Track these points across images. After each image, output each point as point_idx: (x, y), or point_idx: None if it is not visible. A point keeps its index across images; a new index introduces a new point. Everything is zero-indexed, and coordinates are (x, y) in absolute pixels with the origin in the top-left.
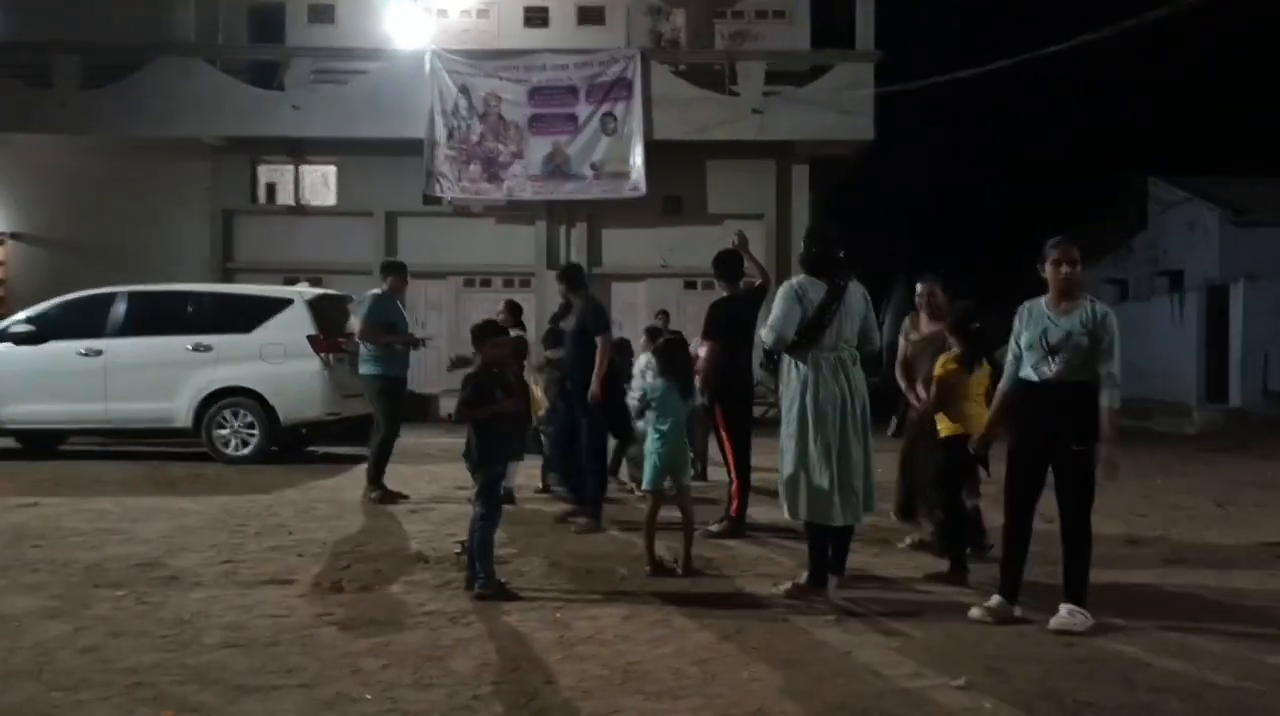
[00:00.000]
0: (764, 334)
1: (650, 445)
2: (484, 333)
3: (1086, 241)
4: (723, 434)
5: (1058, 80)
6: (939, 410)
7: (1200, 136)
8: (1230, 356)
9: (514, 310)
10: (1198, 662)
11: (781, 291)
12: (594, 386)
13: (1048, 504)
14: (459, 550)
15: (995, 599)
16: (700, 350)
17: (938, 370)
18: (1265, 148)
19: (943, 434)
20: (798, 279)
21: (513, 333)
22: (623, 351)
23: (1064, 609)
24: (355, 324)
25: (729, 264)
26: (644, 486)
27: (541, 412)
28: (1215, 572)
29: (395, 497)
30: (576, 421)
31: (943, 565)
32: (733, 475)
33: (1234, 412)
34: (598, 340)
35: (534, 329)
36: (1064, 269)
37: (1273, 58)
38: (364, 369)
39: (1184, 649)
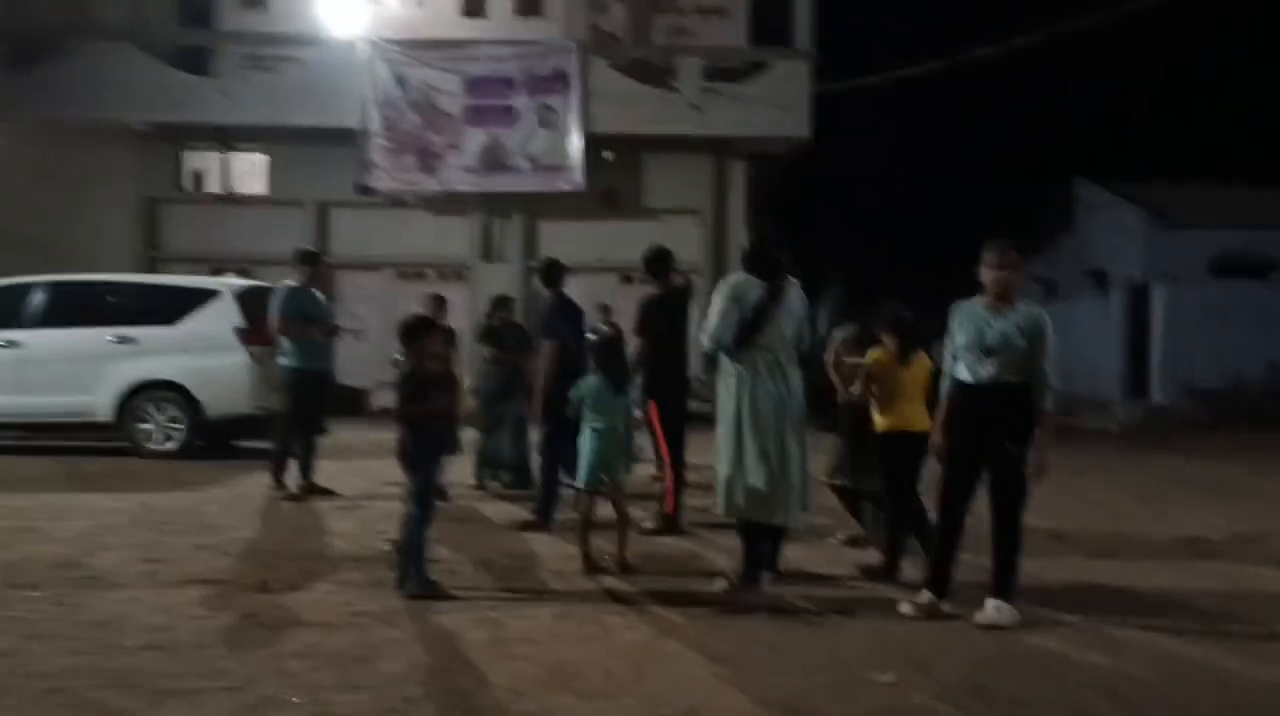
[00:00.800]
0: (702, 336)
1: (585, 443)
2: (416, 330)
3: (1017, 242)
4: (657, 430)
5: (991, 82)
6: (869, 402)
7: (1127, 140)
8: (1151, 355)
9: (439, 303)
10: (1122, 657)
11: (720, 291)
12: (535, 401)
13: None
14: (389, 548)
15: (924, 595)
16: None
17: (867, 362)
18: (1189, 151)
19: (879, 429)
20: (736, 278)
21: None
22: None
23: (990, 604)
24: (270, 317)
25: (660, 261)
26: (579, 484)
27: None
28: (1137, 567)
29: (294, 495)
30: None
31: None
32: (667, 471)
33: (1155, 409)
34: (545, 345)
35: (465, 322)
36: (1003, 273)
37: (1199, 64)
38: (280, 361)
39: (1109, 644)
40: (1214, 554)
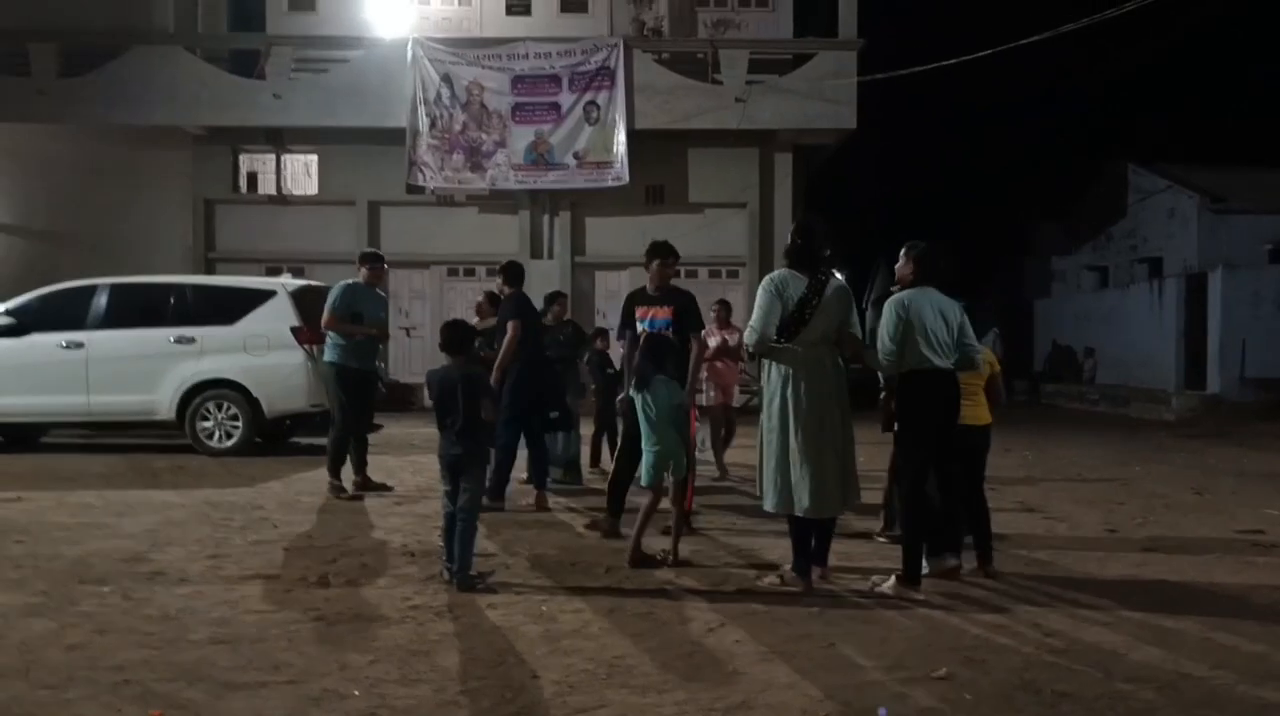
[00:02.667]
0: (746, 334)
1: (645, 442)
2: (461, 335)
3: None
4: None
5: (1039, 67)
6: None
7: (1181, 125)
8: (1209, 344)
9: (493, 300)
10: (1174, 652)
11: (762, 287)
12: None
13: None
14: (443, 543)
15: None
16: (711, 339)
17: None
18: (1244, 136)
19: None
20: (778, 273)
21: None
22: (604, 341)
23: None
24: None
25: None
26: (643, 482)
27: None
28: (1192, 561)
29: (353, 495)
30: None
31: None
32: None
33: (1211, 399)
34: (511, 324)
35: None
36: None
37: (1254, 46)
38: (325, 357)
39: (1161, 638)
40: (1273, 548)
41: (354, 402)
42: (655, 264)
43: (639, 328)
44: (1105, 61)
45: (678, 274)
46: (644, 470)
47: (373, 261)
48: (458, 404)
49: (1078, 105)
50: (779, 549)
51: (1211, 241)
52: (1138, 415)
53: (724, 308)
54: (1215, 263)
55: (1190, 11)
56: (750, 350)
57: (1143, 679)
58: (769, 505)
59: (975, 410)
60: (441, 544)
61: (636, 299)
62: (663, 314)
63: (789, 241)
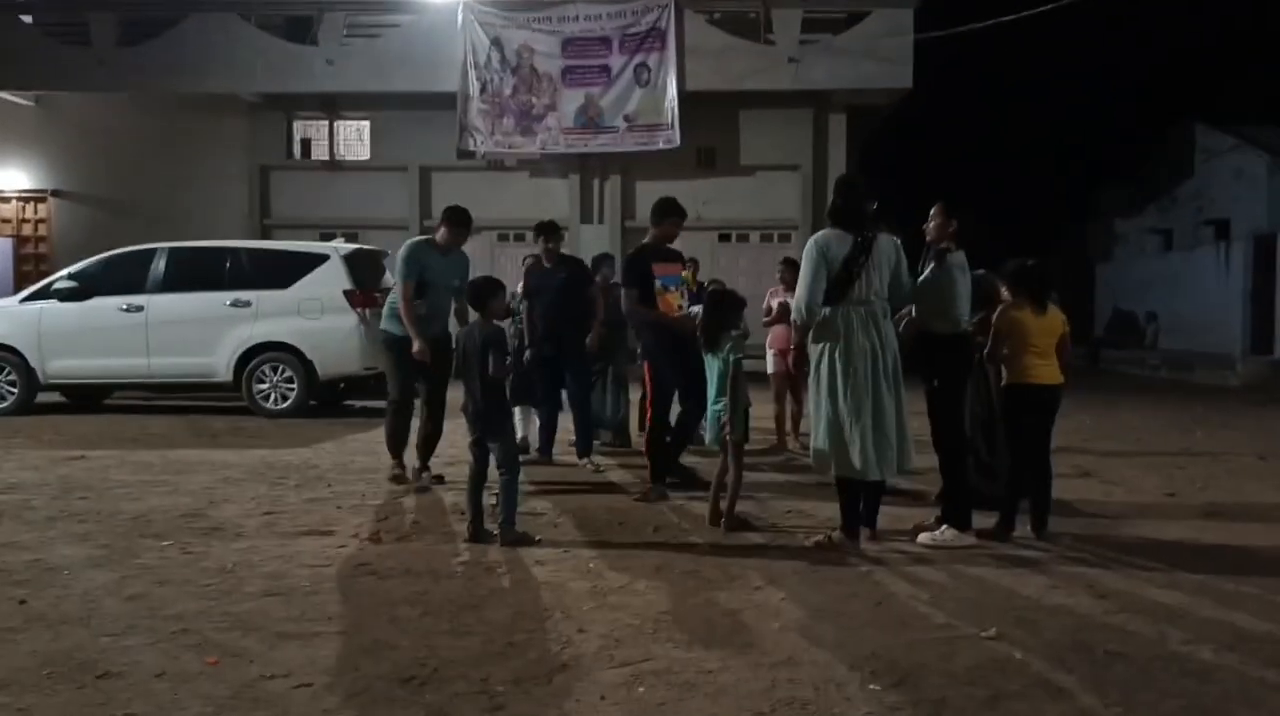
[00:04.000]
0: (794, 308)
1: (712, 402)
2: (481, 291)
3: (1130, 190)
4: (649, 388)
5: (1102, 25)
6: (995, 359)
7: (1249, 82)
8: (1276, 308)
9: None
10: (1233, 614)
11: (805, 253)
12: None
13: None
14: (493, 502)
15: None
16: (774, 300)
17: (996, 321)
18: None
19: (1007, 382)
20: (822, 234)
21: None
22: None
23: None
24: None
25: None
26: (709, 441)
27: None
28: (1255, 526)
29: (419, 485)
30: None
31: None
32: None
33: (1278, 365)
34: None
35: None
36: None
37: None
38: (382, 324)
39: (1219, 601)
40: None
41: (405, 372)
42: (672, 221)
43: (657, 284)
44: (1171, 18)
45: (726, 238)
46: (710, 429)
47: (453, 222)
48: (475, 362)
49: (1143, 64)
50: (827, 510)
51: None
52: (1201, 381)
53: (789, 267)
54: None
55: None
56: (799, 323)
57: (1199, 641)
58: (818, 467)
59: (1049, 369)
60: (494, 503)
61: (651, 255)
62: (676, 270)
63: (833, 202)
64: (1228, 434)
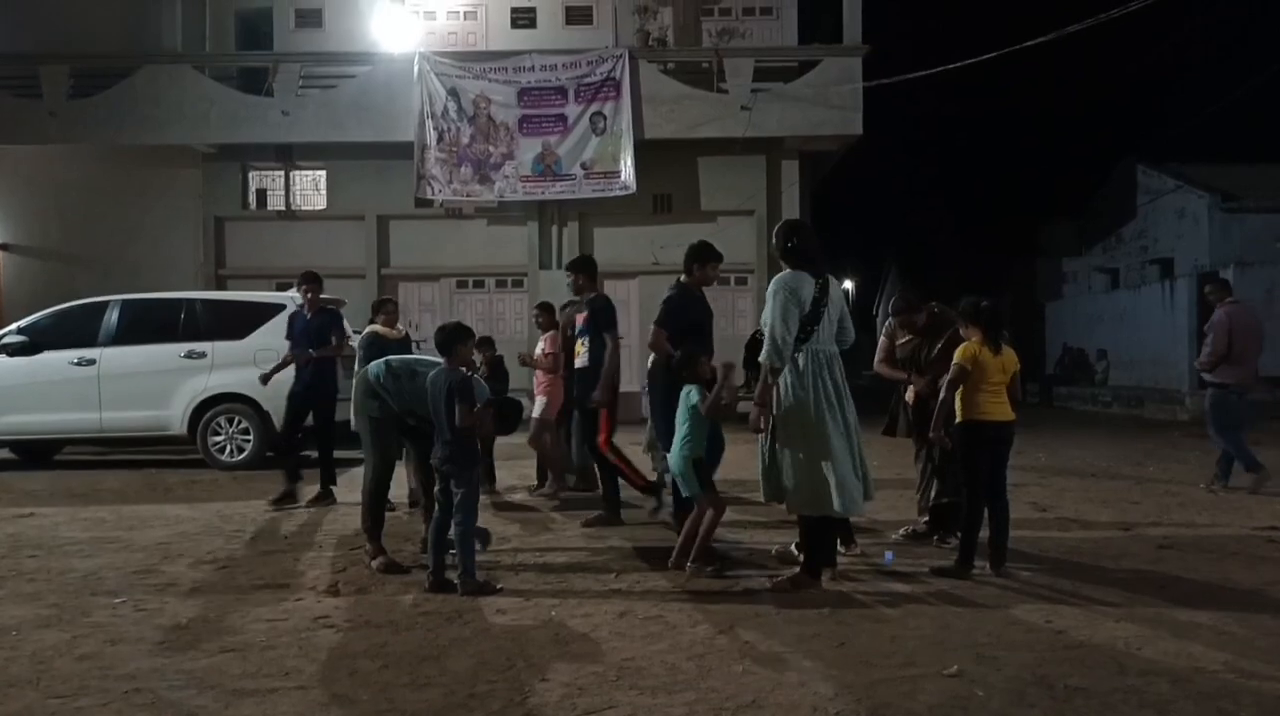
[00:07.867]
0: (766, 348)
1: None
2: (449, 337)
3: (1078, 229)
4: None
5: (1047, 69)
6: (954, 387)
7: (1188, 124)
8: None
9: (547, 310)
10: (1189, 645)
11: (774, 292)
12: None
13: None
14: (452, 550)
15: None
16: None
17: (959, 356)
18: (1254, 134)
19: (960, 420)
20: (790, 275)
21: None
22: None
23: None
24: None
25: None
26: (685, 493)
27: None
28: (1207, 557)
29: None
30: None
31: (941, 556)
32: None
33: None
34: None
35: (525, 328)
36: None
37: (1262, 43)
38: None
39: (1175, 633)
40: None
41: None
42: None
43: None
44: (1113, 62)
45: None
46: (683, 479)
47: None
48: (441, 407)
49: (1086, 106)
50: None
51: (1224, 240)
52: (1151, 416)
53: (545, 312)
54: (1227, 261)
55: (1200, 10)
56: (772, 363)
57: (1157, 672)
58: (786, 507)
59: (1002, 406)
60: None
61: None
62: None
63: (783, 244)
64: (1178, 467)
